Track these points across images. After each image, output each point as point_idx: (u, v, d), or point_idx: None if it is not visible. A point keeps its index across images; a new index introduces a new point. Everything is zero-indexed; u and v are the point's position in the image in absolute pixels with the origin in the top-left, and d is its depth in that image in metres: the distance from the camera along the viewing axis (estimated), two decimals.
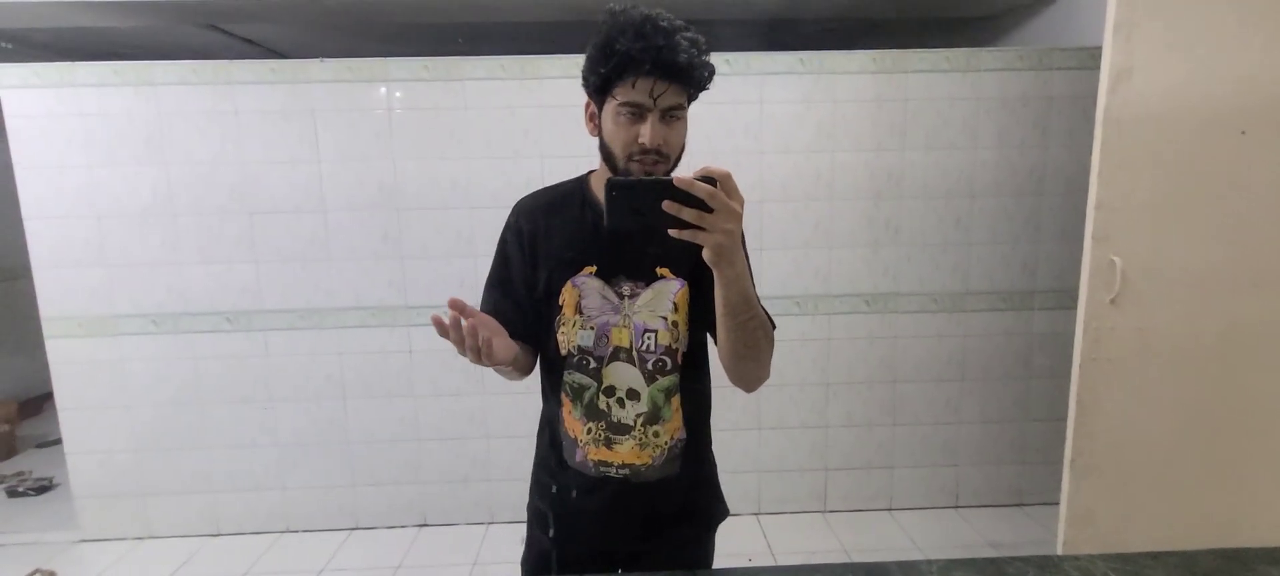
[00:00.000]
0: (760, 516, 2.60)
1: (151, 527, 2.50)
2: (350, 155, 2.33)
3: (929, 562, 0.99)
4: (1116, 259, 1.60)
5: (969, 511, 2.62)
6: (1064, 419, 1.72)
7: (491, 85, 2.33)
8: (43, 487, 2.89)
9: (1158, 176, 1.58)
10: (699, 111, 2.59)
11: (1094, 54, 2.28)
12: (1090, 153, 1.61)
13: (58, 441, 3.35)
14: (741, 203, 0.79)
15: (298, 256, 2.37)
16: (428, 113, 2.33)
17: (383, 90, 2.32)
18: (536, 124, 2.34)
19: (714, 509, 1.12)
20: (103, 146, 2.26)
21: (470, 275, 2.42)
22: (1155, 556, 1.01)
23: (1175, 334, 1.63)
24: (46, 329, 2.35)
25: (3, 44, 2.86)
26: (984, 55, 2.37)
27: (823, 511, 2.62)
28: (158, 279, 2.35)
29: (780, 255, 2.44)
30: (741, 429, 2.54)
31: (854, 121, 2.39)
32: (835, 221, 2.44)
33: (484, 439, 2.52)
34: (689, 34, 0.89)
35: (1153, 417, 1.66)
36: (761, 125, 2.38)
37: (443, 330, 0.80)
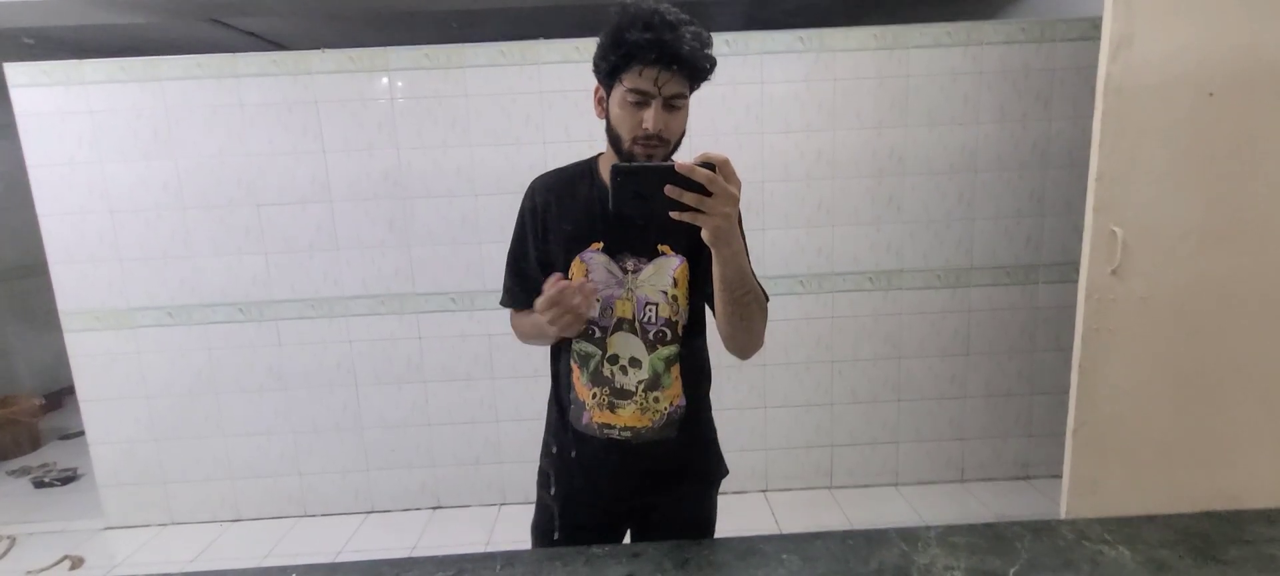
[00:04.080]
0: (768, 493, 2.63)
1: (173, 514, 2.57)
2: (354, 145, 2.36)
3: (928, 528, 1.02)
4: (1118, 229, 1.60)
5: (975, 485, 2.64)
6: (1068, 391, 1.73)
7: (492, 72, 2.34)
8: (67, 478, 2.97)
9: (1158, 144, 1.58)
10: (700, 92, 2.60)
11: (1095, 24, 2.25)
12: (1092, 124, 1.60)
13: (80, 433, 3.43)
14: (739, 187, 0.83)
15: (306, 246, 2.41)
16: (430, 101, 2.35)
17: (385, 80, 2.33)
18: (538, 109, 2.36)
19: (713, 468, 1.18)
20: (112, 142, 2.30)
21: (476, 261, 2.45)
22: (1150, 520, 1.03)
23: (1175, 301, 1.63)
24: (65, 323, 2.40)
25: (25, 40, 2.88)
26: (985, 28, 2.36)
27: (829, 487, 2.65)
28: (171, 271, 2.39)
29: (783, 234, 2.45)
30: (748, 407, 2.57)
31: (855, 99, 2.38)
32: (838, 199, 2.44)
33: (494, 422, 2.57)
34: (693, 28, 0.93)
35: (1154, 385, 1.67)
36: (762, 105, 2.38)
37: (561, 298, 0.91)
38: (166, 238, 2.37)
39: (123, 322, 2.41)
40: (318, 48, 2.32)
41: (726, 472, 1.19)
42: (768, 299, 1.03)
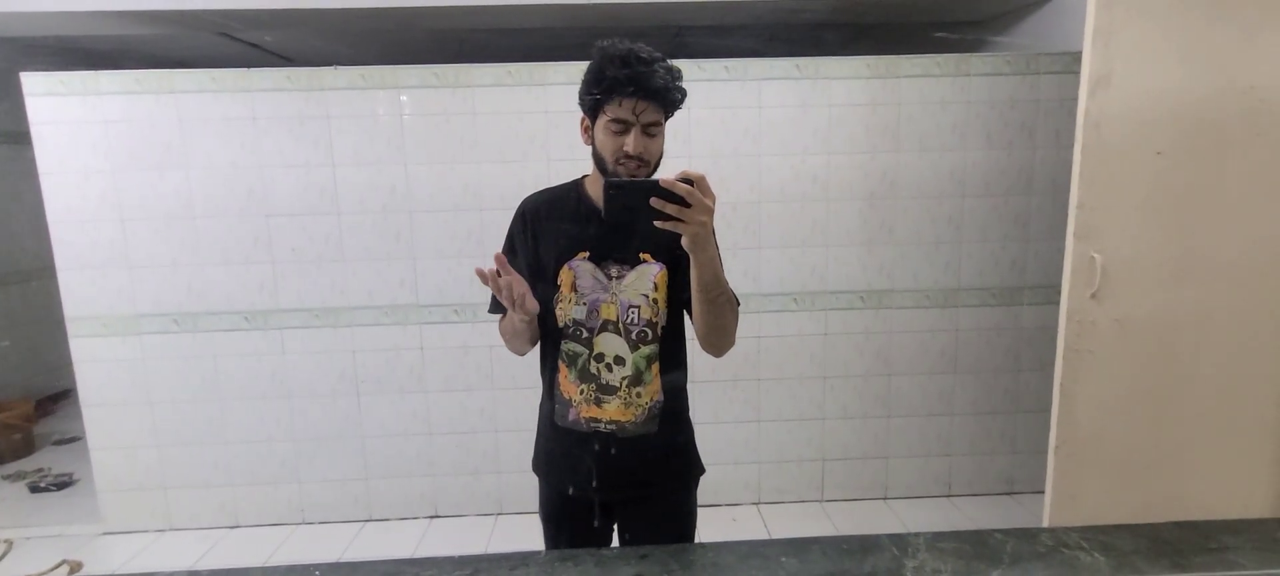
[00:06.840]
0: (760, 506, 2.68)
1: (172, 520, 2.58)
2: (363, 159, 2.42)
3: (917, 534, 1.08)
4: (1097, 255, 1.69)
5: (961, 500, 2.71)
6: (1051, 409, 1.81)
7: (499, 92, 2.41)
8: (63, 483, 2.97)
9: (1135, 176, 1.67)
10: (701, 116, 2.67)
11: (1077, 59, 2.37)
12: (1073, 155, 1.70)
13: (74, 438, 3.44)
14: (713, 199, 0.97)
15: (313, 257, 2.46)
16: (438, 118, 2.42)
17: (395, 96, 2.40)
18: (542, 128, 2.43)
19: (692, 465, 1.27)
20: (126, 152, 2.34)
21: None
22: (1124, 528, 1.10)
23: (1151, 325, 1.72)
24: (71, 328, 2.43)
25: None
26: (973, 60, 2.47)
27: (820, 500, 2.71)
28: (179, 279, 2.43)
29: (778, 254, 2.53)
30: (742, 421, 2.63)
31: (849, 124, 2.48)
32: (832, 221, 2.53)
33: (493, 433, 2.61)
34: (664, 64, 1.06)
35: (1131, 403, 1.76)
36: (760, 129, 2.47)
37: (484, 278, 1.01)
38: (175, 246, 2.41)
39: (129, 329, 2.45)
40: (321, 61, 2.39)
41: (703, 471, 1.29)
42: (738, 304, 1.14)
